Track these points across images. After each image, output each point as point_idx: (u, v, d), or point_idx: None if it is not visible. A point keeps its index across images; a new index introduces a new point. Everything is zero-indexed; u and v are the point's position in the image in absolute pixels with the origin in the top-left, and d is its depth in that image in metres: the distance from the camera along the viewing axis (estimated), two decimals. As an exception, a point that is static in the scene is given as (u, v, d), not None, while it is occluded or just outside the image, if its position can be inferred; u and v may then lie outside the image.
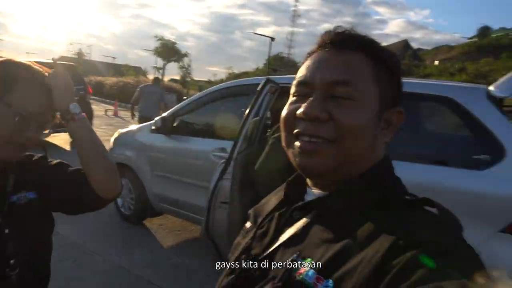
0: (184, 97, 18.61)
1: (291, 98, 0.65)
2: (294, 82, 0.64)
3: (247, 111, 2.30)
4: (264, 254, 0.63)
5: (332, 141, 0.58)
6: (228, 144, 2.71)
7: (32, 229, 0.93)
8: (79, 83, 8.26)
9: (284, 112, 0.64)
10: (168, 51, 31.74)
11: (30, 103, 0.88)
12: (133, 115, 7.84)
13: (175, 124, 3.64)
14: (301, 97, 0.62)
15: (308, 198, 0.66)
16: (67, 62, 9.05)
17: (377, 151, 0.63)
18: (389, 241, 0.49)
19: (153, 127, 3.77)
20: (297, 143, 0.61)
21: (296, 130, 0.61)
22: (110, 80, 22.85)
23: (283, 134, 0.65)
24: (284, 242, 0.62)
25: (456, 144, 2.50)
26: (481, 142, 2.18)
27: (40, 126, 0.92)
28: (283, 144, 0.65)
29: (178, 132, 3.61)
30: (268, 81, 2.32)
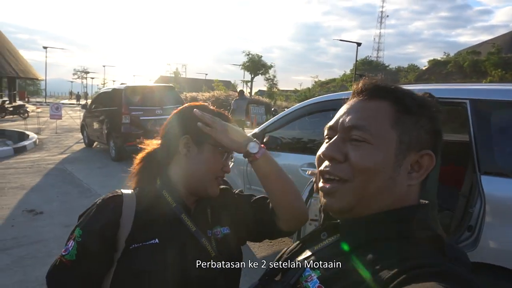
0: (273, 109, 19.13)
1: (324, 140, 0.72)
2: (326, 126, 0.72)
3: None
4: (287, 264, 0.72)
5: (346, 180, 0.64)
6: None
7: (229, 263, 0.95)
8: (178, 102, 9.13)
9: (317, 153, 0.72)
10: (255, 64, 32.94)
11: (223, 140, 0.93)
12: None
13: (265, 140, 3.80)
14: (329, 139, 0.70)
15: None
16: (166, 84, 10.09)
17: (399, 192, 0.64)
18: (393, 266, 0.53)
19: (244, 143, 4.00)
20: (320, 183, 0.68)
21: (320, 168, 0.69)
22: (203, 95, 24.57)
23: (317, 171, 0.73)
24: (306, 257, 0.70)
25: None
26: None
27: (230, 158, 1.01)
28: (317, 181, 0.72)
29: (268, 147, 3.75)
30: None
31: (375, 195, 0.63)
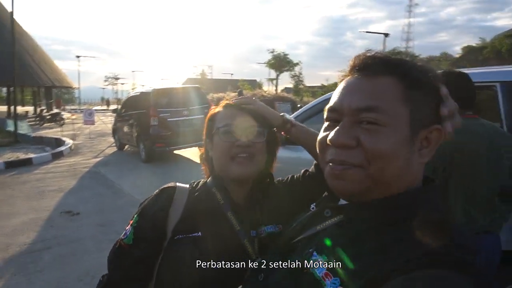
0: (299, 105, 19.02)
1: (325, 124, 0.67)
2: (326, 108, 0.66)
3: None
4: (290, 242, 0.70)
5: (359, 166, 0.59)
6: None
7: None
8: (204, 102, 9.27)
9: (318, 138, 0.67)
10: (280, 62, 32.82)
11: (226, 120, 0.97)
12: None
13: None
14: (332, 123, 0.64)
15: (342, 202, 0.69)
16: (193, 85, 10.24)
17: (413, 172, 0.61)
18: (399, 253, 0.52)
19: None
20: (329, 167, 0.63)
21: (328, 158, 0.63)
22: (229, 95, 24.75)
23: (320, 157, 0.67)
24: (309, 235, 0.67)
25: None
26: None
27: (247, 133, 0.95)
28: (320, 165, 0.68)
29: (291, 142, 3.73)
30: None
31: (393, 178, 0.59)
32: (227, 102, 1.04)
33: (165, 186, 1.00)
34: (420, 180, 0.63)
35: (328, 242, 0.62)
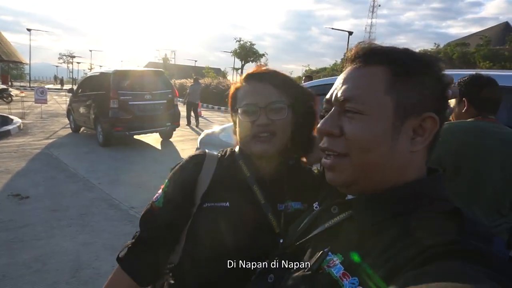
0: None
1: (325, 115, 0.69)
2: (324, 100, 0.69)
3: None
4: (299, 242, 0.69)
5: (344, 155, 0.62)
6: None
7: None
8: (168, 87, 9.00)
9: (316, 128, 0.69)
10: (246, 52, 32.67)
11: (246, 98, 0.94)
12: (184, 103, 12.80)
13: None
14: (327, 113, 0.67)
15: (349, 197, 0.69)
16: (156, 69, 9.88)
17: (402, 161, 0.60)
18: (412, 245, 0.51)
19: (236, 128, 3.96)
20: (323, 159, 0.66)
21: (319, 145, 0.66)
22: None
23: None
24: (319, 233, 0.67)
25: None
26: None
27: (266, 110, 0.92)
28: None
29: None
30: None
31: (375, 167, 0.60)
32: (248, 73, 1.00)
33: (195, 153, 1.03)
34: (423, 171, 0.63)
35: (341, 240, 0.61)
